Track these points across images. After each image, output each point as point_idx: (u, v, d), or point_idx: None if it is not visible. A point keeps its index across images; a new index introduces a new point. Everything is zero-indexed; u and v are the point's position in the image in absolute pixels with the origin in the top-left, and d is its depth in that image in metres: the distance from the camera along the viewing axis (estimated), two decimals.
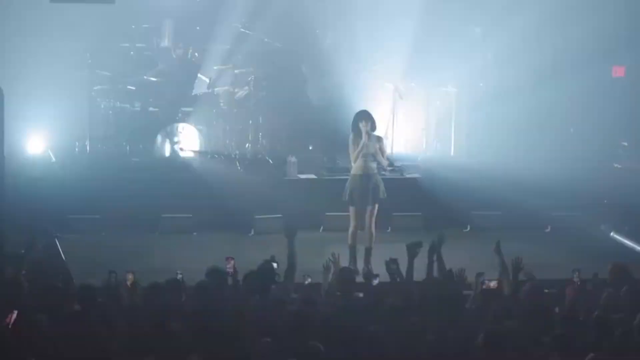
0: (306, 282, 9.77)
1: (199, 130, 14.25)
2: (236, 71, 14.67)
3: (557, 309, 8.94)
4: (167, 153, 14.17)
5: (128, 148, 14.28)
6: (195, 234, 13.59)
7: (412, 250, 9.41)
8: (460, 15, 16.38)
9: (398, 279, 9.40)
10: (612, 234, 13.99)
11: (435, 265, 9.32)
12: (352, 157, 12.15)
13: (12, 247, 10.75)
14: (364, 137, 11.99)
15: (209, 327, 8.09)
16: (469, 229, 14.19)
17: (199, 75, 14.85)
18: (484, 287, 9.36)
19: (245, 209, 13.68)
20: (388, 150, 13.57)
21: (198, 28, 15.67)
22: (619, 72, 16.58)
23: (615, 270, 9.60)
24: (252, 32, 15.68)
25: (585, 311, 8.76)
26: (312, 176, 14.49)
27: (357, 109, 12.50)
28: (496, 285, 9.38)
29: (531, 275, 9.57)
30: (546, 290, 9.29)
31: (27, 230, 9.60)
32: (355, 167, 12.09)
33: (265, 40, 15.54)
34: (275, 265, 9.58)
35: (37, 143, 14.83)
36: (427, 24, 15.58)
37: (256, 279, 9.22)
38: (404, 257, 9.55)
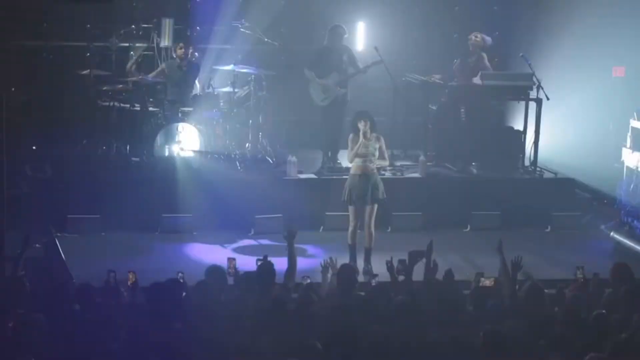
0: (305, 283, 9.77)
1: (199, 130, 14.23)
2: (236, 71, 14.65)
3: (556, 309, 8.95)
4: (167, 153, 14.15)
5: (128, 148, 14.26)
6: (195, 233, 13.58)
7: (414, 259, 9.43)
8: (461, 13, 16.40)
9: (402, 277, 9.42)
10: (612, 234, 13.99)
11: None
12: (349, 156, 12.16)
13: (12, 247, 10.78)
14: (361, 137, 12.00)
15: (210, 327, 8.11)
16: (469, 228, 14.17)
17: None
18: (480, 284, 9.37)
19: (245, 209, 13.66)
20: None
21: (198, 28, 15.67)
22: (619, 72, 16.56)
23: (617, 270, 9.59)
24: (252, 32, 15.68)
25: (586, 311, 8.77)
26: (312, 176, 14.49)
27: (357, 109, 12.53)
28: (492, 283, 9.38)
29: (529, 275, 9.57)
30: (546, 291, 9.29)
31: (26, 230, 9.59)
32: (354, 167, 12.10)
33: (266, 40, 15.53)
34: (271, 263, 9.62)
35: (37, 143, 14.82)
36: (427, 23, 15.57)
37: (256, 279, 9.26)
38: (402, 257, 9.59)
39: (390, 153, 13.45)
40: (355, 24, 16.09)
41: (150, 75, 14.56)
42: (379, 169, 12.40)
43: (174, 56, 14.77)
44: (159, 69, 14.73)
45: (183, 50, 14.63)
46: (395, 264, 9.52)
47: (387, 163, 12.61)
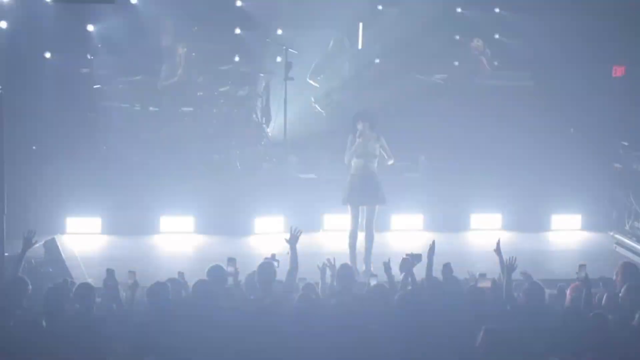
0: (304, 282, 9.77)
1: (199, 130, 14.24)
2: (237, 70, 14.65)
3: (556, 309, 8.95)
4: (167, 153, 14.15)
5: (128, 147, 14.26)
6: (195, 233, 13.58)
7: (411, 262, 9.44)
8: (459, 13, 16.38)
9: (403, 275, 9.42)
10: (612, 233, 14.00)
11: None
12: (347, 157, 12.15)
13: (12, 247, 10.78)
14: (357, 137, 12.01)
15: (209, 326, 8.11)
16: (469, 229, 14.17)
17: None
18: (479, 285, 9.37)
19: (246, 209, 13.68)
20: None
21: (199, 28, 15.65)
22: (619, 71, 16.53)
23: (625, 269, 9.56)
24: (253, 32, 15.68)
25: (586, 311, 8.77)
26: (313, 176, 14.49)
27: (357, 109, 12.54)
28: (489, 284, 9.38)
29: (527, 275, 9.56)
30: (547, 290, 9.29)
31: (26, 229, 9.58)
32: (355, 167, 12.09)
33: (266, 40, 15.54)
34: (276, 263, 9.62)
35: (37, 142, 14.82)
36: (427, 24, 15.56)
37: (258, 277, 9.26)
38: (400, 258, 9.60)
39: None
40: (356, 24, 16.07)
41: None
42: (379, 168, 12.38)
43: (174, 56, 14.73)
44: (163, 70, 14.67)
45: (186, 50, 14.62)
46: (392, 265, 9.53)
47: (392, 161, 12.59)
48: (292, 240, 9.83)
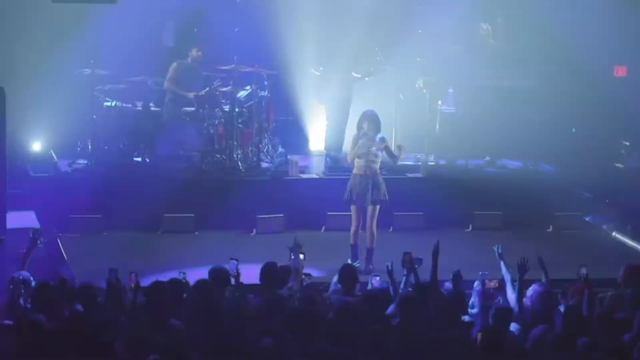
0: (305, 283, 9.77)
1: (201, 130, 14.24)
2: (238, 70, 14.65)
3: (559, 309, 8.95)
4: (169, 152, 14.16)
5: (130, 147, 14.26)
6: (197, 233, 13.59)
7: (413, 265, 9.44)
8: (460, 14, 16.36)
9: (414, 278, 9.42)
10: (614, 233, 14.00)
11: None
12: (349, 156, 12.17)
13: (14, 246, 10.79)
14: (362, 137, 12.02)
15: (211, 326, 8.11)
16: (470, 228, 14.18)
17: None
18: (485, 287, 9.36)
19: (247, 209, 13.68)
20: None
21: (200, 27, 15.65)
22: (620, 71, 16.54)
23: (631, 271, 9.55)
24: (254, 31, 15.68)
25: (589, 310, 8.78)
26: (314, 176, 14.50)
27: (361, 109, 12.55)
28: (497, 285, 9.38)
29: (545, 270, 9.52)
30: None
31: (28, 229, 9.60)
32: (357, 167, 12.11)
33: (268, 39, 15.53)
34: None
35: (39, 142, 14.85)
36: (428, 23, 15.55)
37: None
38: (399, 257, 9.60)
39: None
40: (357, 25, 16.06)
41: (169, 77, 14.48)
42: (381, 169, 12.37)
43: (188, 56, 14.68)
44: (171, 69, 14.61)
45: (200, 53, 14.57)
46: (394, 266, 9.53)
47: (399, 160, 12.65)
48: (296, 248, 9.85)
